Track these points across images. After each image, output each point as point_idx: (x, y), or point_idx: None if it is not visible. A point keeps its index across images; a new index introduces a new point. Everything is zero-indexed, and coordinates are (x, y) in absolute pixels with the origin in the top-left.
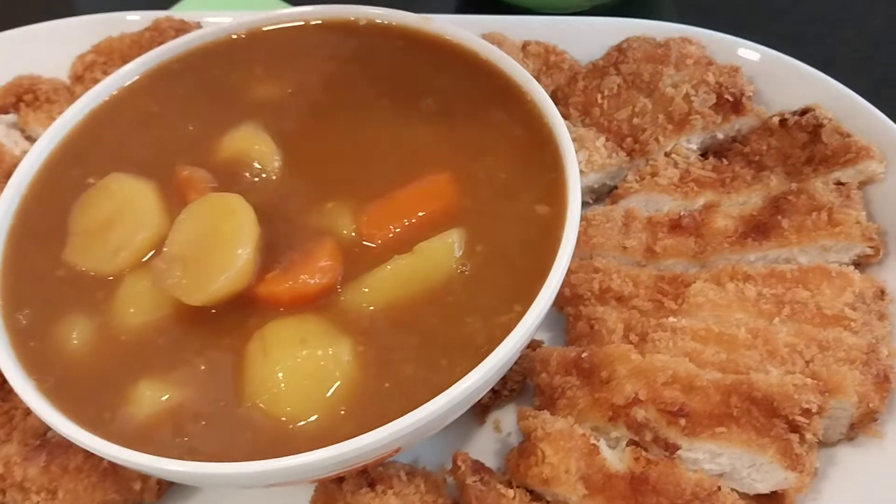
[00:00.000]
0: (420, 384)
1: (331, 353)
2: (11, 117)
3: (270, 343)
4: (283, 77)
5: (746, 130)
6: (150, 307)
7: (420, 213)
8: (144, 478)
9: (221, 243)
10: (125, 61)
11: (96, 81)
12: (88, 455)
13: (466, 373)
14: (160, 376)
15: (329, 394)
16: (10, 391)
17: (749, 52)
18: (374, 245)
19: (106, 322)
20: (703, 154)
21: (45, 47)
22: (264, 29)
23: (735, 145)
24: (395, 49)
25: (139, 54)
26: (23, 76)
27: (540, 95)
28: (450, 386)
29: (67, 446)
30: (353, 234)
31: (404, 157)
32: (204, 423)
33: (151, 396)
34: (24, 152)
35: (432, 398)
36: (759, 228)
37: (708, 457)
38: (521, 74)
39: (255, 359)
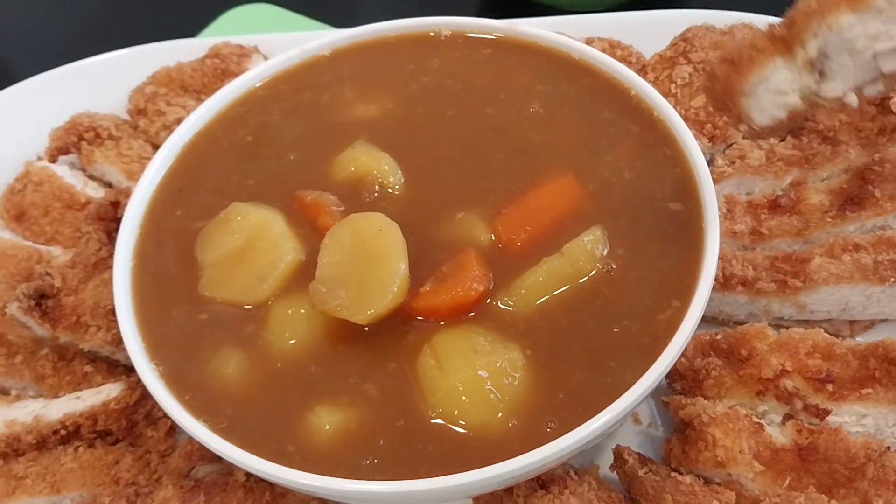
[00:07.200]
0: (594, 389)
1: (505, 360)
2: (71, 157)
3: (444, 356)
4: (376, 95)
5: None
6: (303, 332)
7: (552, 215)
8: None
9: (376, 261)
10: (186, 90)
11: (160, 113)
12: (248, 490)
13: (637, 373)
14: (330, 401)
15: (508, 400)
16: (140, 435)
17: None
18: (513, 250)
19: (260, 352)
20: None
21: (94, 82)
22: (344, 48)
23: (807, 124)
24: (485, 58)
25: (202, 82)
26: (80, 114)
27: (645, 89)
28: (624, 387)
29: (224, 484)
30: (492, 240)
31: (522, 161)
32: (382, 441)
33: (327, 422)
34: (101, 191)
35: (610, 402)
36: (852, 200)
37: (854, 419)
38: (620, 71)
39: (431, 373)
